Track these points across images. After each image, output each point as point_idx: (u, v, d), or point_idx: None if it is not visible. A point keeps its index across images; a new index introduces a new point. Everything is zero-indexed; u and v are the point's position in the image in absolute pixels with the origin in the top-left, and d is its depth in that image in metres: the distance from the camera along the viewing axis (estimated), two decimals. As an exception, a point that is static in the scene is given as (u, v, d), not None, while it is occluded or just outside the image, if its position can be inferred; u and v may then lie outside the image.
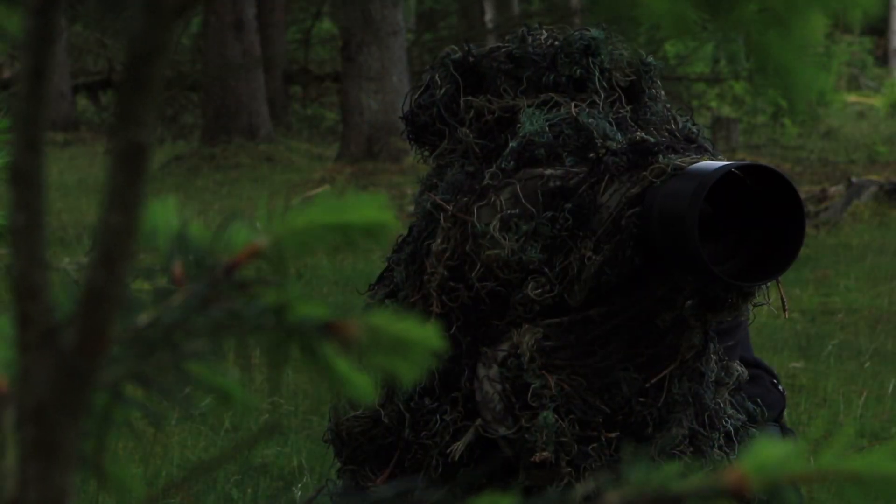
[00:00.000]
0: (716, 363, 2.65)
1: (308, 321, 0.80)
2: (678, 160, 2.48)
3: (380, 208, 0.82)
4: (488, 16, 21.09)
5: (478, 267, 2.56)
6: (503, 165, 2.59)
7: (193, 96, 18.45)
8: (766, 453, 0.82)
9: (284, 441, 4.65)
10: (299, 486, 4.19)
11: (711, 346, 2.62)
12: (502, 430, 2.55)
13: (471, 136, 2.69)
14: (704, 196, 2.38)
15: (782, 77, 0.71)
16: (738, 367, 2.72)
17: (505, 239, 2.53)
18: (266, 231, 0.83)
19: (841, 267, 8.36)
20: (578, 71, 2.67)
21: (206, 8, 14.79)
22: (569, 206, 2.51)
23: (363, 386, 0.82)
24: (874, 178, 11.04)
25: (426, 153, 2.78)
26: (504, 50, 2.74)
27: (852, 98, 24.48)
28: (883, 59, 30.75)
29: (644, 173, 2.48)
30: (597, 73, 2.67)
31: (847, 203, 10.16)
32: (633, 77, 2.71)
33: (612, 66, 2.69)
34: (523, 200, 2.54)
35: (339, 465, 2.81)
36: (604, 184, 2.51)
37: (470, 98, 2.72)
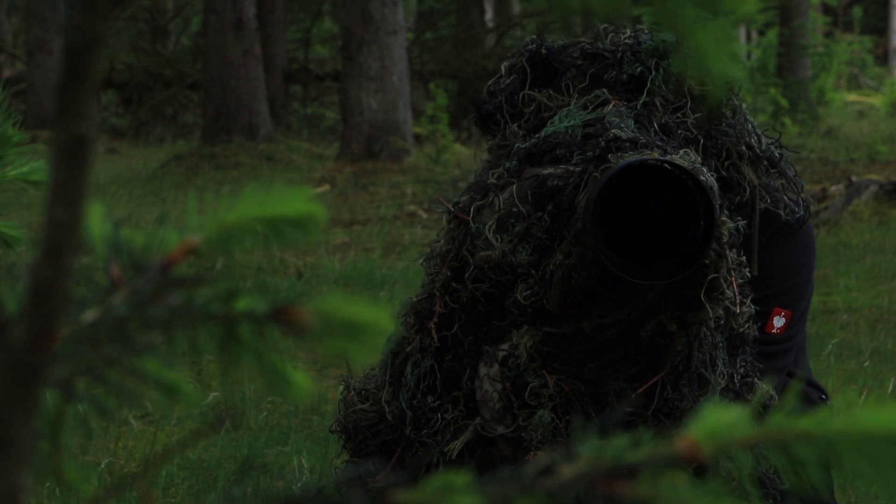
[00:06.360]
0: (728, 374, 2.58)
1: (258, 308, 0.81)
2: (629, 158, 2.40)
3: (307, 201, 0.83)
4: (488, 15, 21.08)
5: (471, 268, 2.54)
6: (508, 165, 2.57)
7: (193, 96, 18.44)
8: (716, 418, 0.82)
9: (284, 441, 4.65)
10: (299, 485, 4.18)
11: (716, 353, 2.56)
12: (500, 429, 2.54)
13: (519, 133, 2.65)
14: (601, 190, 2.31)
15: (698, 63, 0.70)
16: (765, 387, 2.64)
17: (498, 240, 2.50)
18: (199, 228, 0.84)
19: (841, 266, 8.35)
20: (640, 69, 2.64)
21: (207, 7, 14.79)
22: (550, 207, 2.48)
23: (302, 385, 0.83)
24: (874, 177, 11.03)
25: (490, 141, 2.75)
26: (579, 45, 2.72)
27: (852, 97, 24.46)
28: (883, 59, 30.72)
29: (595, 173, 2.45)
30: (655, 75, 2.64)
31: (847, 202, 10.15)
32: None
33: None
34: (516, 201, 2.51)
35: (342, 460, 2.82)
36: (583, 183, 2.47)
37: (532, 92, 2.70)
